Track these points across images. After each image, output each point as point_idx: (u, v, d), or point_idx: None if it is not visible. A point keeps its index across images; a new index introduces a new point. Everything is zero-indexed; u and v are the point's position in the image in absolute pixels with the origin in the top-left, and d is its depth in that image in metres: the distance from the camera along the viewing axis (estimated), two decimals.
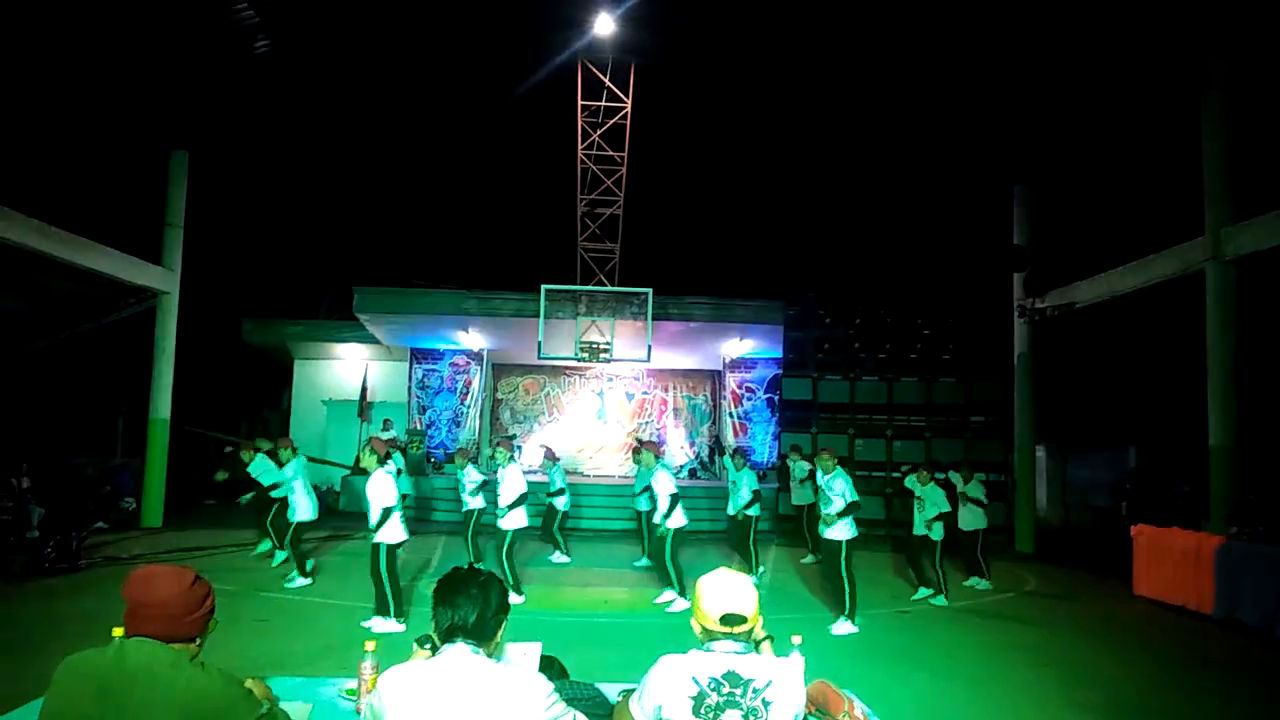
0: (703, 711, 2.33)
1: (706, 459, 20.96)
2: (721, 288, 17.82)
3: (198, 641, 2.25)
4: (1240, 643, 8.18)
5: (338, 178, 19.88)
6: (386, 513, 7.33)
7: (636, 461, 10.82)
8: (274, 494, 10.62)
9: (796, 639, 3.00)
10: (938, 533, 9.73)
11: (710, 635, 2.48)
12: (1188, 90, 11.89)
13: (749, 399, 20.35)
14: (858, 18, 13.49)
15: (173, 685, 2.06)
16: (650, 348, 16.05)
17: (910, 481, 10.24)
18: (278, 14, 12.85)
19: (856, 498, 8.19)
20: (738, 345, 19.06)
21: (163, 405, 15.18)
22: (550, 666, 3.00)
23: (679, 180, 20.18)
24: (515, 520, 8.93)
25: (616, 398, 21.61)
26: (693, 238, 21.40)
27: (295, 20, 13.26)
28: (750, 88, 16.88)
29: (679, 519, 8.94)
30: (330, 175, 19.59)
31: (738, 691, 2.35)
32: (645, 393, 21.67)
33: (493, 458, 10.35)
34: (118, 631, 2.21)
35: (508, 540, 8.89)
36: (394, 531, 7.40)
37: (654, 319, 16.02)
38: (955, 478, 11.14)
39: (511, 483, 8.99)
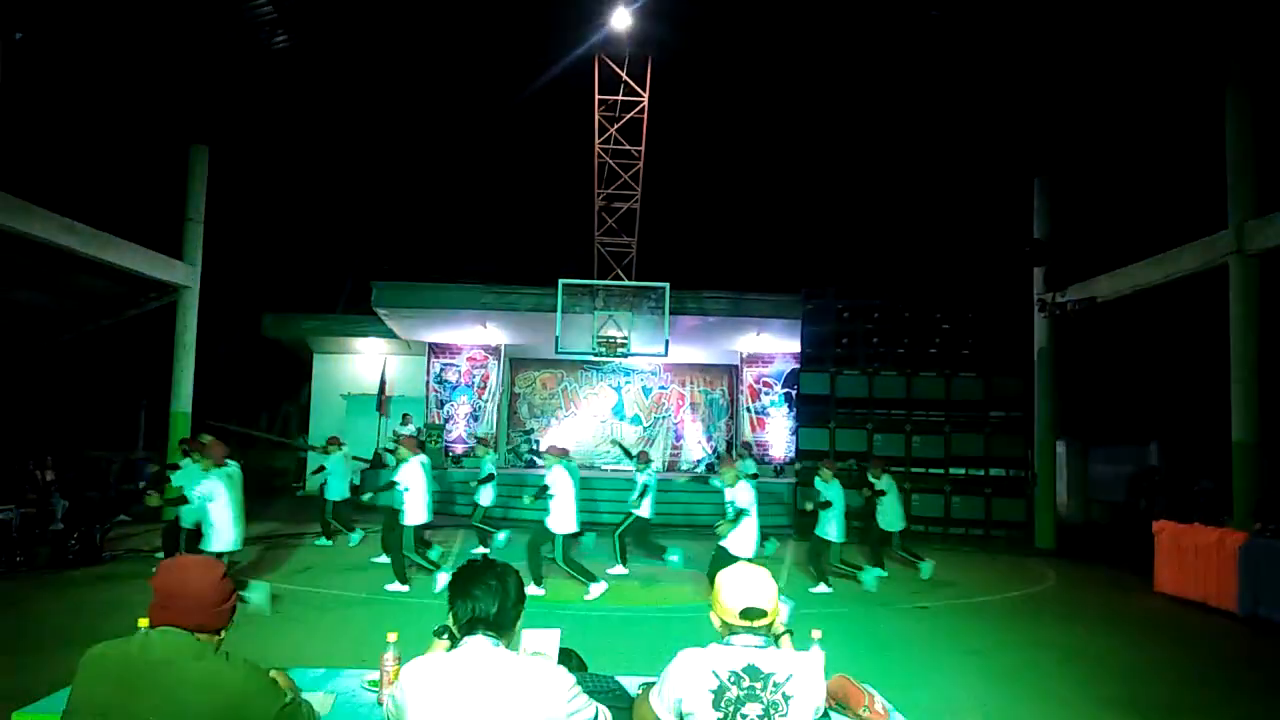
0: (723, 705, 2.33)
1: (724, 454, 20.95)
2: (739, 282, 17.81)
3: (221, 633, 2.27)
4: (1263, 639, 8.11)
5: (356, 173, 19.98)
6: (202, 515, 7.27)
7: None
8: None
9: (816, 633, 3.00)
10: (824, 529, 9.75)
11: (730, 629, 2.48)
12: (1210, 82, 11.75)
13: (766, 394, 20.32)
14: (877, 10, 13.42)
15: (197, 675, 2.07)
16: (667, 342, 16.04)
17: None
18: (296, 9, 12.91)
19: (746, 509, 8.13)
20: (755, 340, 19.04)
21: (184, 399, 15.31)
22: (569, 659, 3.01)
23: (696, 174, 20.16)
24: (413, 515, 9.05)
25: (634, 392, 21.63)
26: (710, 232, 21.36)
27: (314, 16, 13.32)
28: (768, 81, 16.83)
29: (566, 525, 9.03)
30: (349, 170, 19.68)
31: (758, 685, 2.35)
32: (662, 387, 21.67)
33: (394, 452, 10.18)
34: (143, 622, 2.24)
35: (403, 534, 9.06)
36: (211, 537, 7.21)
37: (671, 313, 16.02)
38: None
39: (405, 478, 9.09)
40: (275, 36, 13.43)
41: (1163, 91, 12.63)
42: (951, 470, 15.03)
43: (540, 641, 2.85)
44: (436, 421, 19.62)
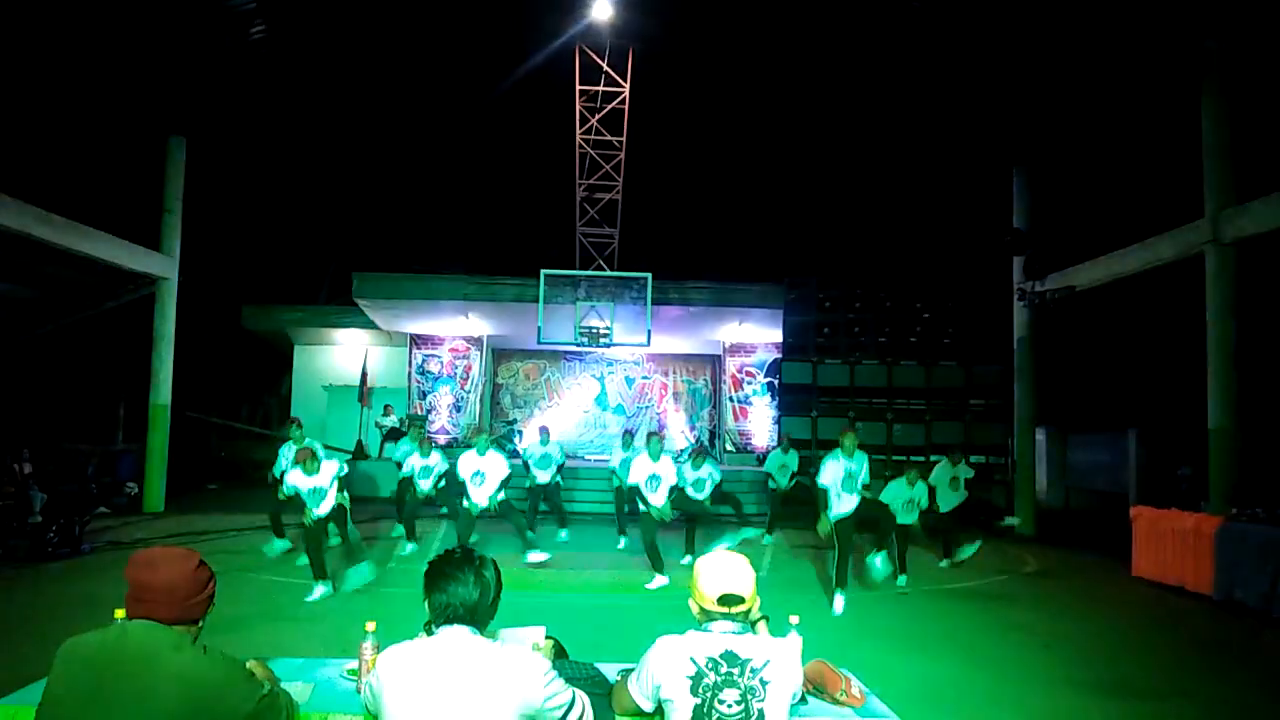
0: (700, 691, 2.35)
1: (707, 443, 21.02)
2: (721, 272, 17.84)
3: (199, 624, 2.26)
4: (1239, 623, 8.21)
5: (336, 163, 19.84)
6: None
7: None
8: None
9: (794, 619, 3.02)
10: None
11: (708, 615, 2.50)
12: (1187, 71, 11.84)
13: (749, 383, 20.36)
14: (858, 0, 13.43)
15: (174, 667, 2.07)
16: (650, 332, 16.06)
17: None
18: None
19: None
20: (737, 329, 19.08)
21: (163, 391, 15.20)
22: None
23: (678, 164, 20.13)
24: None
25: (617, 382, 21.63)
26: (692, 222, 21.37)
27: (292, 5, 13.19)
28: (749, 72, 16.82)
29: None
30: (329, 160, 19.55)
31: (735, 671, 2.36)
32: (645, 377, 21.69)
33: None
34: (119, 613, 2.23)
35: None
36: None
37: (653, 303, 16.04)
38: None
39: None
40: (253, 26, 13.30)
41: (1140, 81, 12.72)
42: (932, 457, 15.12)
43: (523, 639, 2.87)
44: (419, 412, 19.56)
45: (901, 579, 9.47)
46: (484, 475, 9.31)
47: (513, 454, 18.99)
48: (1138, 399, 16.71)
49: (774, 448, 14.16)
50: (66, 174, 13.97)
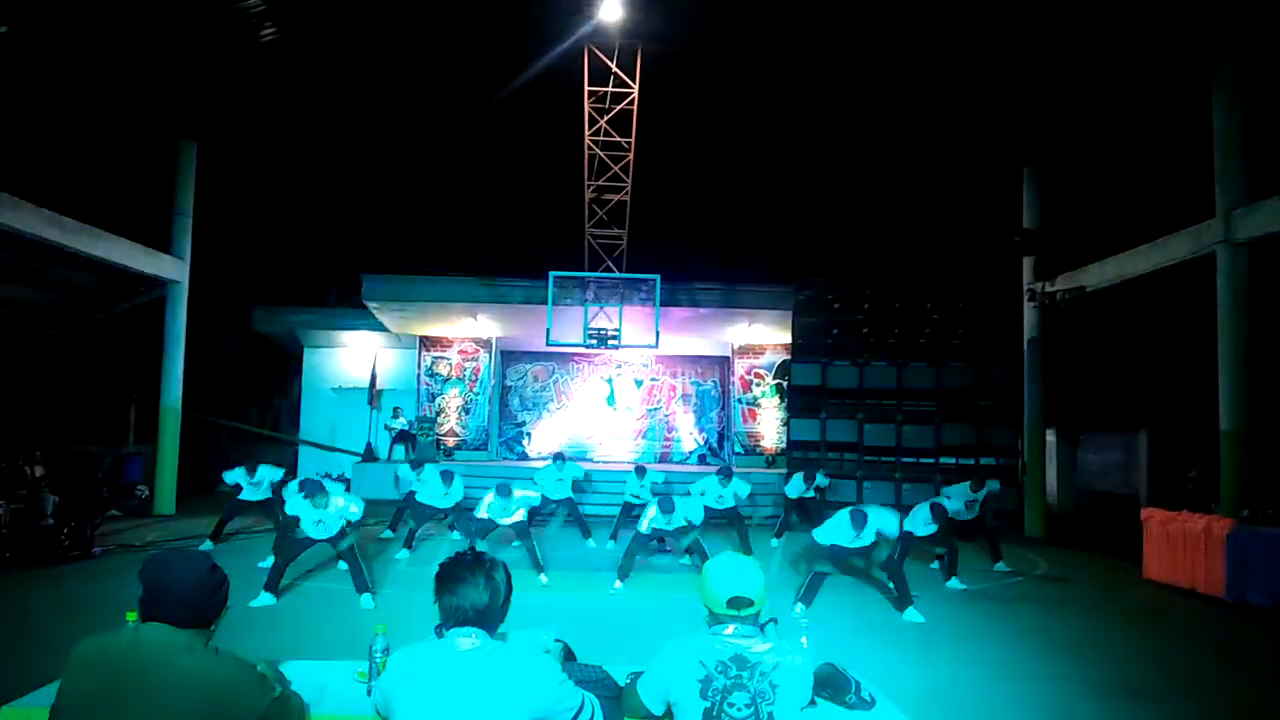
0: (710, 694, 2.34)
1: (715, 445, 21.00)
2: (730, 273, 17.81)
3: (211, 627, 2.26)
4: (1250, 624, 8.18)
5: (346, 165, 19.88)
6: None
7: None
8: None
9: (804, 621, 3.02)
10: None
11: (717, 618, 2.50)
12: (1198, 70, 11.77)
13: (758, 385, 20.34)
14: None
15: (186, 669, 2.07)
16: (659, 333, 16.03)
17: None
18: (284, 1, 12.84)
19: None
20: (746, 331, 19.06)
21: (174, 393, 15.26)
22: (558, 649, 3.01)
23: (687, 165, 20.10)
24: None
25: (625, 384, 21.62)
26: (701, 223, 21.31)
27: (302, 7, 13.23)
28: (758, 72, 16.79)
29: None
30: (338, 163, 19.59)
31: (745, 674, 2.36)
32: (654, 379, 21.66)
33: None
34: (131, 616, 2.24)
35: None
36: None
37: (662, 305, 16.02)
38: None
39: None
40: (263, 29, 13.34)
41: (1151, 81, 12.65)
42: (942, 460, 15.08)
43: (533, 642, 2.87)
44: (428, 415, 19.60)
45: (954, 580, 9.47)
46: (510, 514, 9.45)
47: (521, 456, 19.02)
48: (1149, 400, 16.59)
49: (788, 458, 13.94)
50: (78, 178, 14.04)
